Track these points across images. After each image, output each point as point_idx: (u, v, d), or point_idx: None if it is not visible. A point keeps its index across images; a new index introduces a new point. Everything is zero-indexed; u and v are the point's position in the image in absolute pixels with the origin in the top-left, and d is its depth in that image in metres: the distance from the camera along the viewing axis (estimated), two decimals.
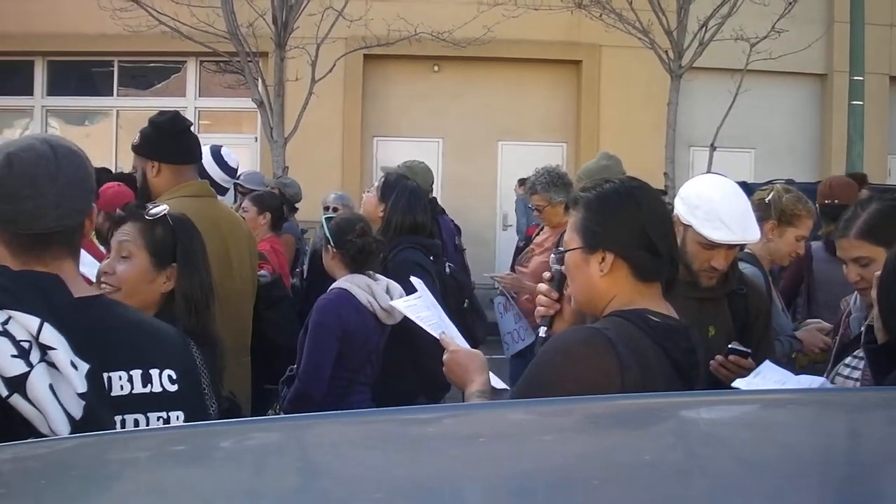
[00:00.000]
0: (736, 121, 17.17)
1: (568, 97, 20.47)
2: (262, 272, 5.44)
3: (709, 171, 15.57)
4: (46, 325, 2.28)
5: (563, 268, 3.14)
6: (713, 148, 16.74)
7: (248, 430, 2.20)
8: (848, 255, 4.05)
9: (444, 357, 3.28)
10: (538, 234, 7.62)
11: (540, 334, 3.31)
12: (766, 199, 5.12)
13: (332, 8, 14.81)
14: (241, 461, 1.83)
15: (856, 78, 17.03)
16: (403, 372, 5.44)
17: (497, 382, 3.27)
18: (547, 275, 3.31)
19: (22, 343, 2.25)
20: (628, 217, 2.93)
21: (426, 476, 1.67)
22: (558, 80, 20.45)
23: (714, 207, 4.06)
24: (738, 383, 3.75)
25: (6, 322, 2.27)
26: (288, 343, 5.38)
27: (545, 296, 3.29)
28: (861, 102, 16.95)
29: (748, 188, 5.24)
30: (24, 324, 2.27)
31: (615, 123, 19.29)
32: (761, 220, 5.04)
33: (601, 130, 19.72)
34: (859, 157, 16.72)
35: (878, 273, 3.13)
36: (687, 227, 4.11)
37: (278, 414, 5.27)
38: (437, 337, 3.51)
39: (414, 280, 3.99)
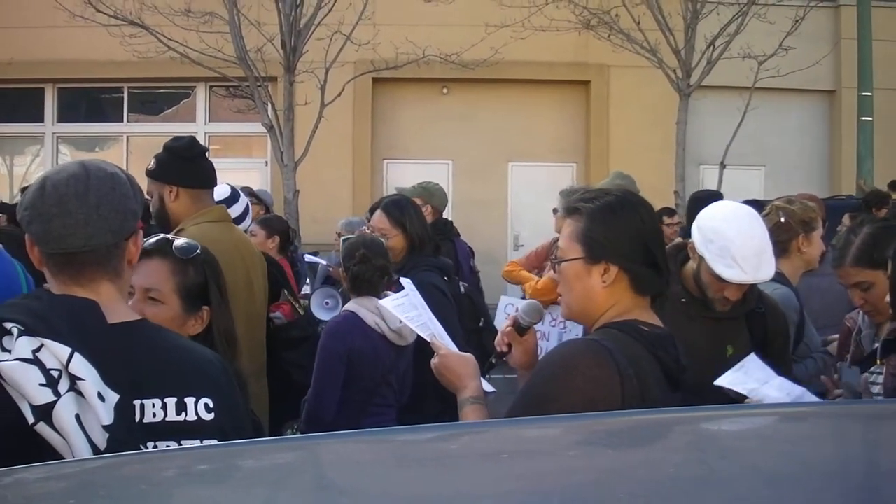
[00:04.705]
0: (745, 138, 17.18)
1: (577, 118, 20.46)
2: (277, 314, 5.33)
3: (719, 190, 15.63)
4: (76, 355, 2.30)
5: (556, 276, 3.16)
6: (723, 166, 16.74)
7: (269, 449, 2.21)
8: (848, 282, 4.06)
9: (435, 361, 3.29)
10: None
11: (491, 360, 3.38)
12: (782, 220, 5.07)
13: (340, 32, 14.83)
14: (263, 480, 1.84)
15: (864, 94, 17.06)
16: (425, 393, 5.41)
17: (484, 385, 3.30)
18: (510, 318, 3.33)
19: (52, 371, 2.28)
20: (632, 229, 2.96)
21: (451, 493, 1.67)
22: (567, 101, 20.45)
23: (727, 245, 3.97)
24: (722, 380, 3.78)
25: (38, 350, 2.29)
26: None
27: (504, 336, 3.31)
28: (870, 118, 16.99)
29: (760, 206, 5.22)
30: (55, 352, 2.29)
31: (624, 143, 19.27)
32: (788, 240, 5.04)
33: (611, 150, 19.70)
34: (869, 173, 16.74)
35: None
36: (701, 257, 4.09)
37: (296, 434, 5.27)
38: (427, 339, 3.51)
39: (403, 280, 3.95)
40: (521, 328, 3.27)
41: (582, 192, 3.20)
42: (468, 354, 3.34)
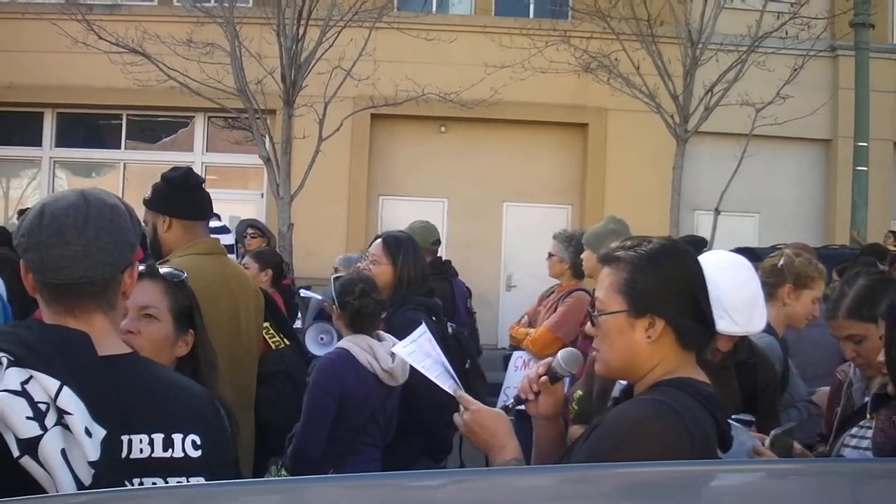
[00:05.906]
0: (741, 185, 17.19)
1: (574, 160, 20.50)
2: None
3: (713, 236, 15.65)
4: (65, 389, 2.27)
5: (592, 330, 2.97)
6: (717, 212, 16.76)
7: (256, 491, 2.20)
8: (840, 334, 4.05)
9: (466, 417, 3.06)
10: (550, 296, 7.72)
11: (506, 403, 3.23)
12: (779, 264, 5.04)
13: (340, 67, 14.90)
14: None
15: (860, 144, 17.14)
16: (407, 433, 5.41)
17: None
18: (542, 369, 3.13)
19: (39, 404, 2.25)
20: (680, 280, 2.79)
21: None
22: (564, 143, 20.49)
23: (719, 296, 3.90)
24: None
25: (27, 382, 2.27)
26: (280, 422, 5.13)
27: (532, 382, 3.13)
28: (865, 168, 17.07)
29: (754, 254, 5.20)
30: (44, 385, 2.27)
31: (620, 186, 19.29)
32: (776, 286, 5.01)
33: (606, 193, 19.72)
34: (863, 223, 16.79)
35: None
36: None
37: (281, 470, 5.25)
38: (450, 392, 3.25)
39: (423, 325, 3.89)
40: (556, 377, 3.10)
41: (622, 239, 2.97)
42: (500, 410, 3.11)
